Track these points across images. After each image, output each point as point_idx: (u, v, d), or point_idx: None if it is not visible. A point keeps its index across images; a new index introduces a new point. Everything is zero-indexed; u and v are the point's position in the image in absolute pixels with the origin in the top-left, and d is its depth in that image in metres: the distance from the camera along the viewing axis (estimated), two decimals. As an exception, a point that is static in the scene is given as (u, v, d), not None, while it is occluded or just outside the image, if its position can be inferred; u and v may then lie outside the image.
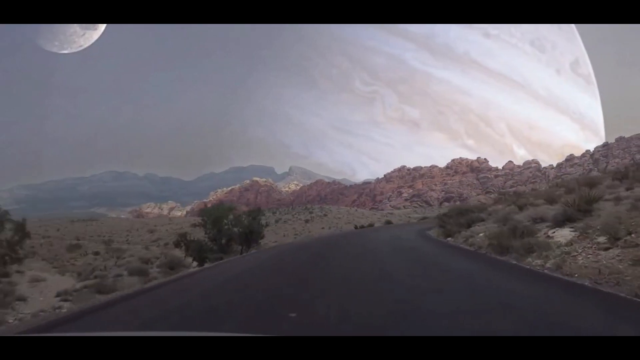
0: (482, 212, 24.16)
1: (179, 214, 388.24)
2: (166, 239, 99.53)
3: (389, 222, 65.82)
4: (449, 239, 18.47)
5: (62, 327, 6.65)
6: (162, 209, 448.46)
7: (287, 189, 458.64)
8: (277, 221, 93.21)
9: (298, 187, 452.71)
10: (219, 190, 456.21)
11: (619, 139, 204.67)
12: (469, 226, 18.67)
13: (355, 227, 56.74)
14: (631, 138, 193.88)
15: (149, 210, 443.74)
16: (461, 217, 23.45)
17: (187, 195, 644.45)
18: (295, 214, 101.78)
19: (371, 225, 58.73)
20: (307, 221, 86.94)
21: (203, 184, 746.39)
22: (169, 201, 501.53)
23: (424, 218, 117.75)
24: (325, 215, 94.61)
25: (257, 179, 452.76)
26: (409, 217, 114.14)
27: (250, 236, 26.79)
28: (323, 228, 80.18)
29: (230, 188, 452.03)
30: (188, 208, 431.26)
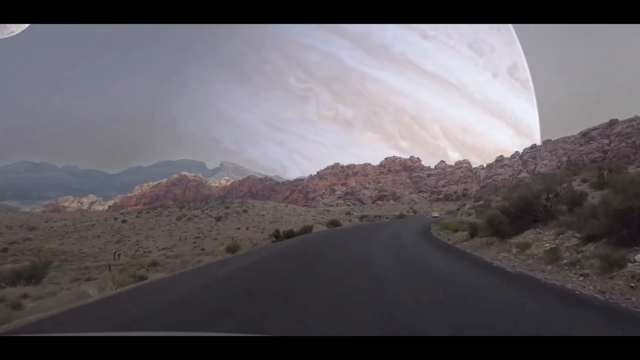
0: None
1: (100, 208, 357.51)
2: (38, 239, 72.88)
3: (335, 224, 42.97)
4: None
5: None
6: (81, 203, 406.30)
7: (217, 184, 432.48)
8: (179, 219, 68.84)
9: (229, 183, 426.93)
10: (145, 184, 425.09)
11: (546, 142, 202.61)
12: None
13: (276, 237, 29.46)
14: (557, 141, 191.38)
15: (67, 204, 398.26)
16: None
17: (110, 189, 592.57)
18: (208, 209, 77.66)
19: (308, 229, 33.44)
20: (218, 219, 63.36)
21: (129, 177, 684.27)
22: (90, 195, 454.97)
23: (363, 216, 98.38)
24: (245, 211, 71.35)
25: (186, 173, 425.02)
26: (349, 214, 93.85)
27: None
28: (239, 228, 57.17)
29: (157, 182, 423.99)
30: (110, 202, 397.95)
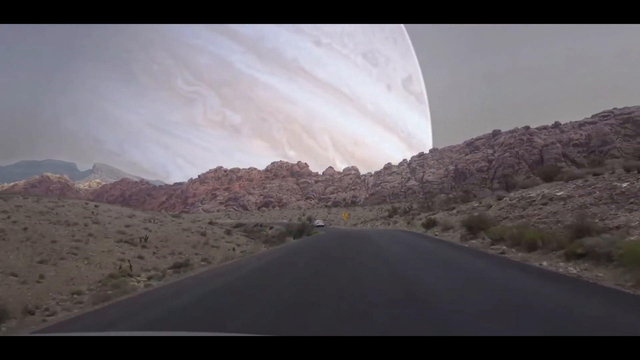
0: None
1: None
2: None
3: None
4: None
5: None
6: None
7: (87, 187, 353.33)
8: None
9: (99, 186, 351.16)
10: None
11: (433, 150, 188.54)
12: None
13: None
14: (444, 150, 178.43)
15: None
16: None
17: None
18: None
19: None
20: None
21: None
22: None
23: (239, 225, 61.93)
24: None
25: (49, 174, 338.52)
26: (219, 221, 55.38)
27: None
28: None
29: (12, 184, 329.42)
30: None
